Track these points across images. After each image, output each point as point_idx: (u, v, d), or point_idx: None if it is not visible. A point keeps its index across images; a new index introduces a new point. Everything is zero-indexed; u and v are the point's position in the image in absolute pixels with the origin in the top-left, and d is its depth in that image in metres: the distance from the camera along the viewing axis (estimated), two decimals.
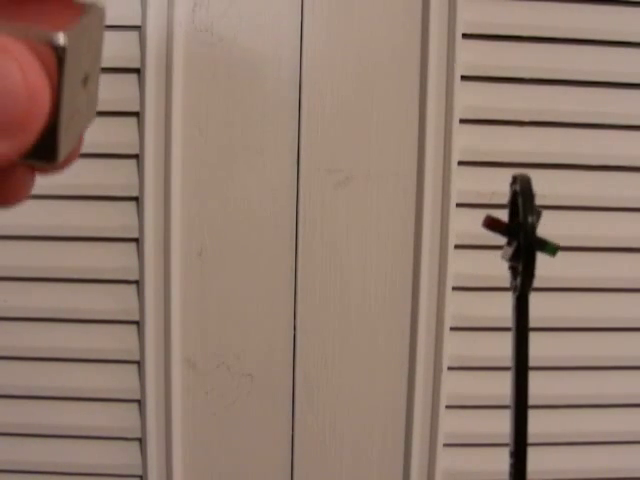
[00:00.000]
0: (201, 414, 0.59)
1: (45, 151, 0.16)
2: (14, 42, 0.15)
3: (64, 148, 0.17)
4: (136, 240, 0.57)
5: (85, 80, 0.18)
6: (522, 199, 0.27)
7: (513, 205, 0.29)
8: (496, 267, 0.59)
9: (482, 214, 0.58)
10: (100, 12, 0.18)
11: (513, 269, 0.29)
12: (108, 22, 0.59)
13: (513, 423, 0.28)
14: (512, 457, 0.28)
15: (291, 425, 0.60)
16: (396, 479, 0.61)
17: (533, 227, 0.27)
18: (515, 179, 0.29)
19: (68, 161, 0.18)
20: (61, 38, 0.16)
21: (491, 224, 0.29)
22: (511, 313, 0.29)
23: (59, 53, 0.16)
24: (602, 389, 0.60)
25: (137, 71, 0.55)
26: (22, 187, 0.18)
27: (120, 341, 0.58)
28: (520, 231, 0.27)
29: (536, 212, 0.27)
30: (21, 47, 0.15)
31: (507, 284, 0.58)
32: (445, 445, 0.60)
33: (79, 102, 0.17)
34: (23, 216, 0.57)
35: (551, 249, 0.28)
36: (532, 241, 0.27)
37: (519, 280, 0.28)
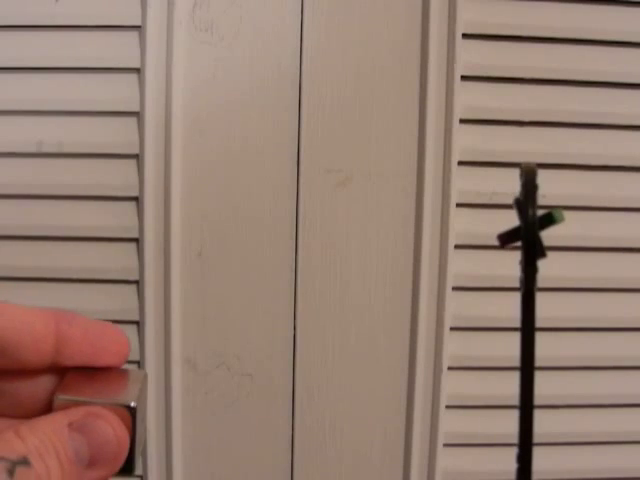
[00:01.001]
0: (201, 414, 0.59)
1: (126, 469, 0.25)
2: (106, 411, 0.24)
3: (137, 465, 0.26)
4: (136, 240, 0.57)
5: (142, 419, 0.27)
6: (525, 191, 0.27)
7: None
8: (496, 267, 0.59)
9: (482, 214, 0.58)
10: (144, 375, 0.28)
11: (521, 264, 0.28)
12: (107, 22, 0.59)
13: (520, 424, 0.27)
14: (518, 461, 0.28)
15: (291, 425, 0.60)
16: (396, 479, 0.61)
17: (534, 219, 0.27)
18: (521, 170, 0.28)
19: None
20: (133, 404, 0.25)
21: (504, 237, 0.28)
22: (520, 311, 0.28)
23: (133, 414, 0.25)
24: (602, 389, 0.60)
25: (137, 71, 0.55)
26: None
27: None
28: (522, 224, 0.27)
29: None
30: (110, 413, 0.24)
31: (507, 284, 0.58)
32: (445, 445, 0.60)
33: (142, 435, 0.27)
34: (23, 216, 0.57)
35: (556, 217, 0.27)
36: (536, 233, 0.26)
37: (522, 275, 0.27)
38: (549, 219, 0.27)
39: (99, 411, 0.24)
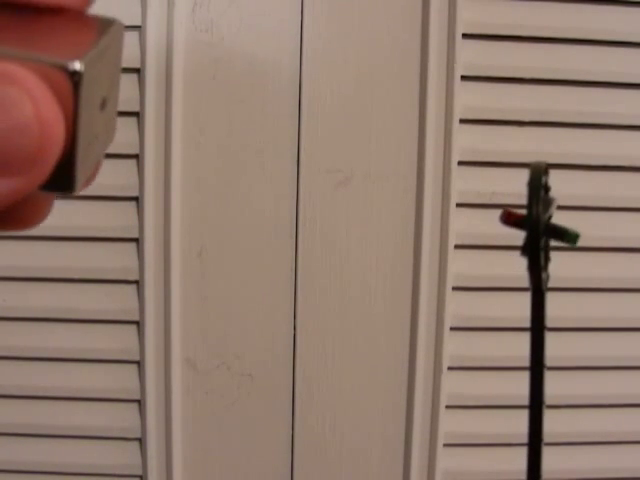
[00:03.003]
0: (201, 414, 0.59)
1: (62, 181, 0.16)
2: (24, 70, 0.14)
3: (81, 177, 0.16)
4: (136, 240, 0.57)
5: (103, 104, 0.17)
6: (529, 189, 0.26)
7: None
8: (496, 267, 0.59)
9: (482, 214, 0.58)
10: (119, 28, 0.17)
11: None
12: None
13: (529, 426, 0.27)
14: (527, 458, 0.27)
15: (291, 425, 0.60)
16: (396, 479, 0.61)
17: (538, 217, 0.26)
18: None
19: (86, 184, 0.18)
20: (77, 64, 0.15)
21: (508, 217, 0.28)
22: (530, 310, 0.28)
23: (75, 80, 0.15)
24: (602, 389, 0.60)
25: (137, 71, 0.55)
26: (41, 211, 0.18)
27: (120, 341, 0.58)
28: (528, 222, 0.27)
29: (546, 202, 0.26)
30: (31, 75, 0.14)
31: (507, 284, 0.58)
32: (445, 445, 0.60)
33: (97, 128, 0.17)
34: None
35: (571, 237, 0.27)
36: (539, 232, 0.26)
37: (529, 275, 0.27)
38: (562, 233, 0.27)
39: (15, 71, 0.14)
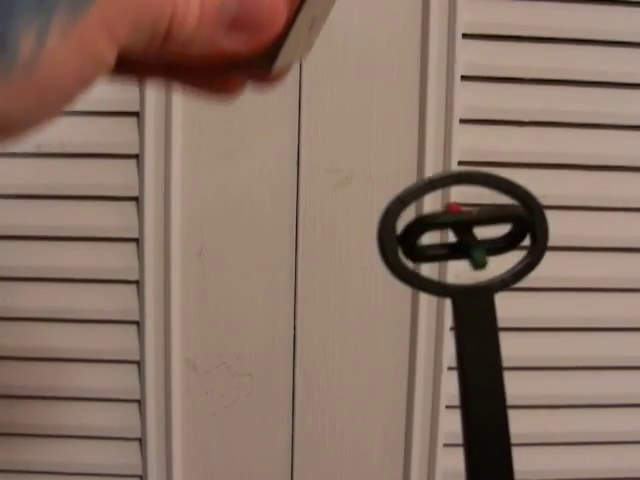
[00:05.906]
0: (201, 414, 0.59)
1: (266, 61, 0.21)
2: None
3: (279, 64, 0.22)
4: (136, 240, 0.57)
5: (313, 22, 0.22)
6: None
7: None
8: (495, 268, 0.59)
9: None
10: None
11: None
12: None
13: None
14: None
15: (291, 425, 0.60)
16: (396, 479, 0.61)
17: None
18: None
19: (277, 79, 0.24)
20: None
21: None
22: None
23: None
24: (601, 389, 0.60)
25: None
26: (239, 86, 0.25)
27: (120, 341, 0.58)
28: None
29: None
30: None
31: None
32: (445, 445, 0.60)
33: (302, 38, 0.22)
34: (23, 216, 0.57)
35: (476, 262, 0.28)
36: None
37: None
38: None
39: None
